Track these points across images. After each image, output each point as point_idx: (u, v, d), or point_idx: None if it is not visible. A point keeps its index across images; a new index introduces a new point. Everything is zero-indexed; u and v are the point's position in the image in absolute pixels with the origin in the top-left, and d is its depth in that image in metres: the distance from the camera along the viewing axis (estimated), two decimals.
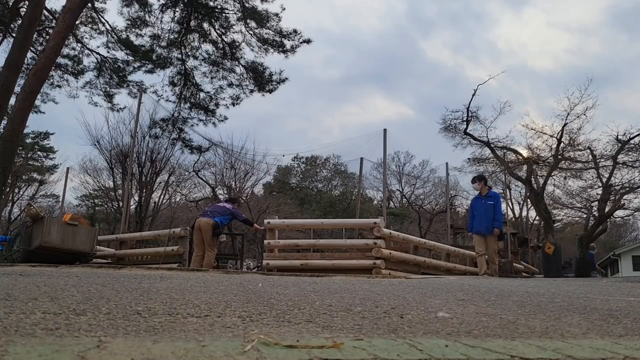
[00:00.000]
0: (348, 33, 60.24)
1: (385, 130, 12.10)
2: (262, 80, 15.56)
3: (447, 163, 20.18)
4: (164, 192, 23.12)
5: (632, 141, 18.56)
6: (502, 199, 8.38)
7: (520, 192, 27.81)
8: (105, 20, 14.80)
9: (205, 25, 15.25)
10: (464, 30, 57.50)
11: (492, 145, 19.59)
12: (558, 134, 19.08)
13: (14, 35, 11.82)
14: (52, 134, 27.91)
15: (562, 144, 19.17)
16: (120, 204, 19.65)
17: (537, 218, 24.09)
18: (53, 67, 12.06)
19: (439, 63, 57.77)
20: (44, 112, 17.40)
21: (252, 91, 15.94)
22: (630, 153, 18.77)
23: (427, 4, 57.95)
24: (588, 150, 19.31)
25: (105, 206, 25.65)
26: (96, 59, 15.31)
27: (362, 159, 15.64)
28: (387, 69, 61.09)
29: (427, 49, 61.50)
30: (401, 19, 60.81)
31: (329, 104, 56.37)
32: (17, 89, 10.03)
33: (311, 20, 52.92)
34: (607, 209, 19.16)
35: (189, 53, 15.69)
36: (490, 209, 8.02)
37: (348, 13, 58.59)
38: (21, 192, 26.73)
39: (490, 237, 8.02)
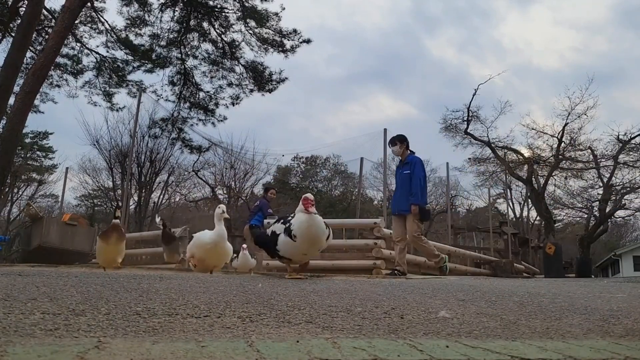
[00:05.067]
0: (352, 30, 60.17)
1: (385, 130, 12.08)
2: (262, 79, 15.57)
3: (447, 163, 20.16)
4: (163, 192, 23.13)
5: (632, 141, 18.61)
6: (422, 165, 6.17)
7: (521, 192, 27.82)
8: (105, 20, 14.82)
9: (205, 24, 15.27)
10: (470, 28, 57.38)
11: (492, 145, 19.62)
12: (559, 133, 19.14)
13: (13, 34, 11.82)
14: (51, 133, 27.88)
15: (563, 144, 19.23)
16: (120, 204, 19.65)
17: (538, 218, 24.11)
18: (52, 67, 12.06)
19: (444, 61, 57.70)
20: (43, 112, 17.37)
21: (251, 91, 15.97)
22: (631, 153, 18.83)
23: (433, 1, 57.85)
24: (589, 150, 19.36)
25: (105, 206, 25.65)
26: (95, 58, 15.33)
27: (362, 159, 15.59)
28: (391, 67, 61.01)
29: (432, 47, 61.43)
30: (406, 16, 60.72)
31: (332, 102, 56.30)
32: (16, 88, 10.03)
33: (315, 18, 52.85)
34: (608, 209, 19.20)
35: (189, 52, 15.71)
36: (407, 181, 6.05)
37: (352, 11, 58.48)
38: (20, 192, 26.73)
39: (409, 217, 5.96)
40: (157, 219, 6.46)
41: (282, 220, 3.60)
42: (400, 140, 6.31)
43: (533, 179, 19.28)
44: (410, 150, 6.29)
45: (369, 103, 57.14)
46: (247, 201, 22.63)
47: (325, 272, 5.83)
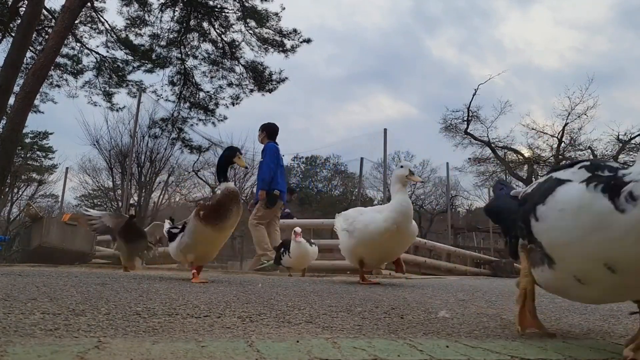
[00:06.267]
0: (352, 30, 60.16)
1: (385, 130, 12.09)
2: (262, 79, 15.58)
3: (447, 163, 20.15)
4: (163, 192, 23.13)
5: (632, 141, 18.63)
6: (272, 152, 5.93)
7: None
8: (105, 20, 14.84)
9: (205, 24, 15.27)
10: (470, 28, 57.27)
11: (492, 145, 19.65)
12: (559, 133, 19.19)
13: (13, 34, 11.82)
14: (51, 133, 27.86)
15: (563, 144, 19.26)
16: (120, 204, 19.66)
17: None
18: (52, 67, 12.06)
19: (444, 61, 57.62)
20: (43, 112, 17.40)
21: (252, 91, 15.98)
22: (631, 153, 18.85)
23: (433, 1, 57.78)
24: (589, 150, 19.38)
25: (105, 206, 25.65)
26: (95, 58, 15.33)
27: (362, 159, 15.62)
28: (391, 67, 60.93)
29: (432, 47, 61.37)
30: (406, 16, 60.66)
31: (332, 102, 56.24)
32: (16, 88, 10.03)
33: (315, 18, 52.79)
34: None
35: (189, 52, 15.72)
36: (259, 168, 6.03)
37: (352, 11, 58.45)
38: (20, 192, 26.72)
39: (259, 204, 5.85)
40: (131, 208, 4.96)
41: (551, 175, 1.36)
42: (262, 129, 6.23)
43: (533, 179, 19.28)
44: (276, 142, 6.19)
45: (369, 103, 57.11)
46: (247, 201, 22.61)
47: (325, 273, 5.84)
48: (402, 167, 2.98)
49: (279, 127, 6.31)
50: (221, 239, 2.85)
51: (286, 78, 15.69)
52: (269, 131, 6.22)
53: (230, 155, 2.91)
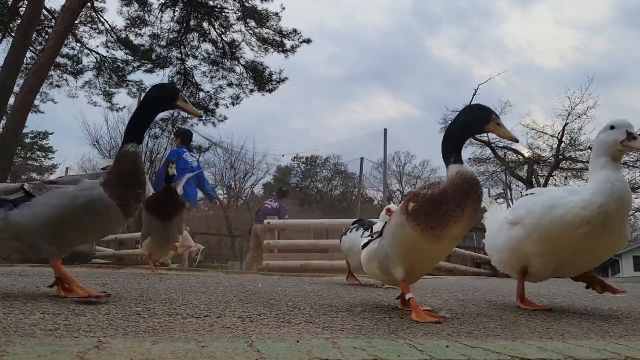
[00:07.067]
0: (352, 30, 60.20)
1: (385, 130, 12.12)
2: (261, 79, 15.57)
3: None
4: None
5: None
6: (169, 159, 5.77)
7: (521, 192, 27.80)
8: (105, 20, 14.85)
9: (205, 24, 15.28)
10: (471, 28, 57.24)
11: (492, 145, 19.64)
12: (559, 133, 19.20)
13: (13, 34, 11.82)
14: (51, 133, 27.91)
15: (563, 144, 19.26)
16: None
17: None
18: (52, 67, 12.06)
19: (445, 61, 57.60)
20: (43, 112, 17.43)
21: (251, 91, 15.97)
22: (630, 153, 18.85)
23: (433, 1, 57.74)
24: (589, 150, 19.37)
25: None
26: (95, 58, 15.34)
27: (362, 159, 15.63)
28: (391, 67, 60.96)
29: (432, 46, 61.35)
30: (406, 16, 60.66)
31: (332, 102, 56.32)
32: (16, 88, 10.03)
33: (315, 18, 52.85)
34: None
35: (189, 52, 15.72)
36: None
37: (352, 11, 58.51)
38: None
39: None
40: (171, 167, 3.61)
41: None
42: (176, 135, 6.81)
43: (533, 179, 19.30)
44: (187, 148, 6.51)
45: (369, 103, 57.14)
46: (247, 201, 22.62)
47: (326, 273, 5.84)
48: (611, 127, 1.84)
49: (192, 133, 6.95)
50: (440, 253, 1.84)
51: (286, 78, 15.70)
52: (184, 137, 6.73)
53: (485, 116, 1.79)
